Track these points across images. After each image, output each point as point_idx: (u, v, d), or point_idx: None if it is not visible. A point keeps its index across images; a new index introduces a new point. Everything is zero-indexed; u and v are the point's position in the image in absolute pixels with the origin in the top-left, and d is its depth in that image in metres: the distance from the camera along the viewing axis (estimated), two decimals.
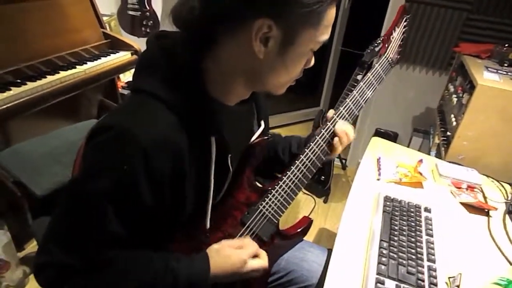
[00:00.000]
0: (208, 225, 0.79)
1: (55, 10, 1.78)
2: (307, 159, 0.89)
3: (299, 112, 3.43)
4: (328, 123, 0.93)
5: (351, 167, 2.82)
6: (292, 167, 0.88)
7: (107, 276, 0.69)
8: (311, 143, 0.90)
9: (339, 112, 0.94)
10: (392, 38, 1.07)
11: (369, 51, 1.92)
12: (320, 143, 0.91)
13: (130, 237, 0.68)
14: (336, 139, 0.93)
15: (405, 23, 1.09)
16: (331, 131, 0.93)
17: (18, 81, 1.54)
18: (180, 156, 0.68)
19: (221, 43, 0.68)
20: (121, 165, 0.63)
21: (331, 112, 0.96)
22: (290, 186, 0.88)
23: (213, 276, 0.76)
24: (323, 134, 0.92)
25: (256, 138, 0.88)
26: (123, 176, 0.64)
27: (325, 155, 0.93)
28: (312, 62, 0.77)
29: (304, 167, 0.89)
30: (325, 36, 0.70)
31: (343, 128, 0.93)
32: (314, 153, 0.90)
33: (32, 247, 1.79)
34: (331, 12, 0.68)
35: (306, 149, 0.89)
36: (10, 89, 1.47)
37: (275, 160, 1.06)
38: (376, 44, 1.91)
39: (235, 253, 0.79)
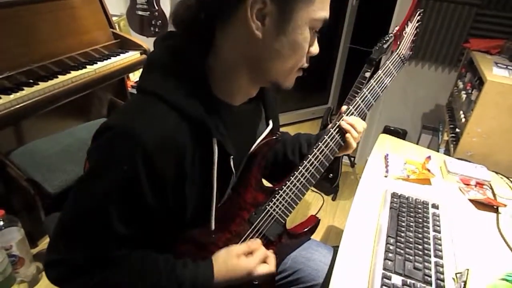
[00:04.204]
0: (213, 226, 0.79)
1: (65, 12, 1.81)
2: (315, 159, 0.89)
3: (307, 110, 3.43)
4: (337, 122, 0.93)
5: (360, 164, 2.81)
6: (300, 167, 0.88)
7: (112, 278, 0.71)
8: (319, 143, 0.90)
9: (348, 110, 0.94)
10: (405, 33, 1.04)
11: (377, 48, 1.92)
12: (328, 142, 0.91)
13: (135, 237, 0.69)
14: (347, 134, 0.92)
15: (418, 17, 1.06)
16: (340, 129, 0.93)
17: (31, 81, 1.57)
18: (182, 157, 0.68)
19: (220, 33, 0.69)
20: (122, 164, 0.64)
21: (343, 108, 0.96)
22: (297, 186, 0.88)
23: (217, 283, 0.76)
24: (331, 133, 0.92)
25: (264, 138, 0.88)
26: (124, 175, 0.64)
27: (334, 154, 0.92)
28: (317, 48, 0.75)
29: (312, 167, 0.89)
30: (322, 13, 0.68)
31: (350, 121, 0.92)
32: (322, 152, 0.90)
33: (45, 243, 1.83)
34: None
35: (314, 149, 0.89)
36: (23, 89, 1.50)
37: (285, 163, 1.05)
38: (384, 41, 1.90)
39: (242, 263, 0.79)
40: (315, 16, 0.68)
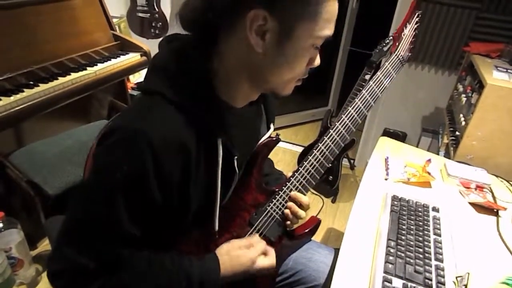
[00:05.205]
0: (216, 227, 0.80)
1: (66, 13, 1.81)
2: (315, 160, 0.90)
3: (307, 112, 3.42)
4: (336, 123, 0.93)
5: (360, 167, 2.81)
6: (300, 168, 0.89)
7: (123, 279, 0.70)
8: (319, 144, 0.90)
9: (347, 112, 0.94)
10: (404, 35, 1.05)
11: (377, 51, 1.92)
12: (327, 142, 0.91)
13: (142, 237, 0.69)
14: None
15: (417, 19, 1.07)
16: (341, 132, 0.92)
17: (31, 82, 1.57)
18: (187, 157, 0.69)
19: (223, 40, 0.69)
20: (131, 163, 0.64)
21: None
22: (297, 187, 0.89)
23: (223, 275, 0.78)
24: (332, 134, 0.92)
25: (264, 140, 0.88)
26: (133, 174, 0.65)
27: (334, 155, 0.93)
28: (318, 61, 0.75)
29: (312, 168, 0.89)
30: (326, 31, 0.68)
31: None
32: (321, 153, 0.90)
33: (44, 245, 1.83)
34: (331, 5, 0.66)
35: (314, 150, 0.90)
36: (23, 91, 1.50)
37: None
38: (384, 44, 1.91)
39: (244, 253, 0.81)
40: (317, 34, 0.67)
